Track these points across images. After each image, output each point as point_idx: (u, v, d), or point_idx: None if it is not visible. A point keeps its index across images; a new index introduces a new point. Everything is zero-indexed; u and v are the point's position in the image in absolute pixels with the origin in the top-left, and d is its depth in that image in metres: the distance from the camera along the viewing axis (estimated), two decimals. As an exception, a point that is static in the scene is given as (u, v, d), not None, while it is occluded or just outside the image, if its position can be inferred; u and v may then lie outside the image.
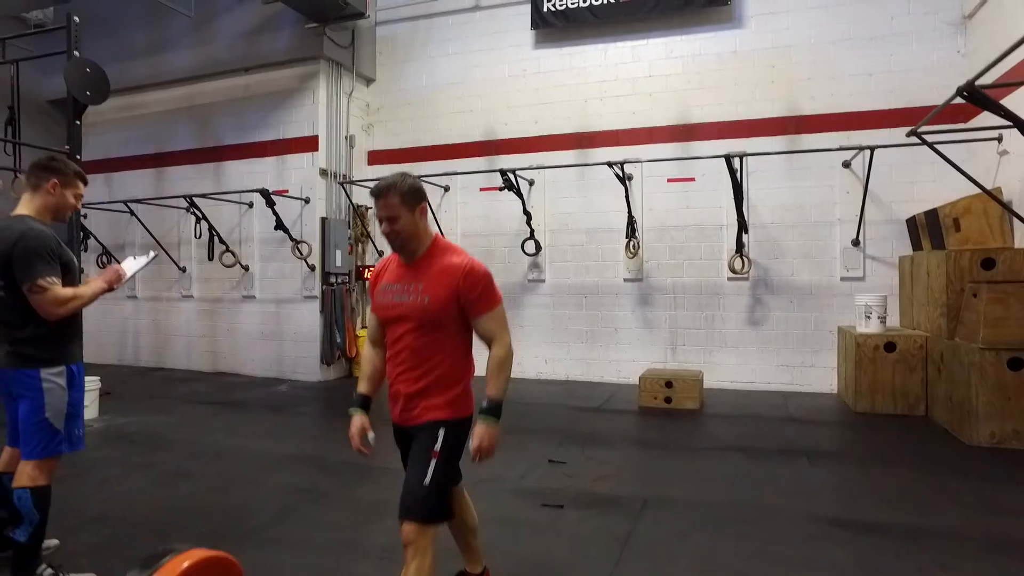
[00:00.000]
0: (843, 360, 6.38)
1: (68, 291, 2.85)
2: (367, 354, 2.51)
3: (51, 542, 3.10)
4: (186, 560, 1.90)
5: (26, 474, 2.77)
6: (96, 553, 3.08)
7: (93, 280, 3.05)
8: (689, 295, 7.22)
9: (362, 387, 2.47)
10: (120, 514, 3.66)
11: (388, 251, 2.45)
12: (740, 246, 6.67)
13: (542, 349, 7.67)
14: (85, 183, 3.15)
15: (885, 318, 5.87)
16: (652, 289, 7.35)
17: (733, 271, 6.84)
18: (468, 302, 2.27)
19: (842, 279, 6.69)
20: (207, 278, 8.47)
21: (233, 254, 7.96)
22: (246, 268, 8.16)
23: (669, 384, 6.14)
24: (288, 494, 3.89)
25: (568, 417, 5.77)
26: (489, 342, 2.32)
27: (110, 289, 3.08)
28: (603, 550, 3.13)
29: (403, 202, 2.24)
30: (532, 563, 3.03)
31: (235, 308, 8.34)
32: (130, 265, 3.25)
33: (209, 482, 4.19)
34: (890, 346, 5.68)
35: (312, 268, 7.71)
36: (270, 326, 8.08)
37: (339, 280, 7.88)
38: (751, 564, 2.98)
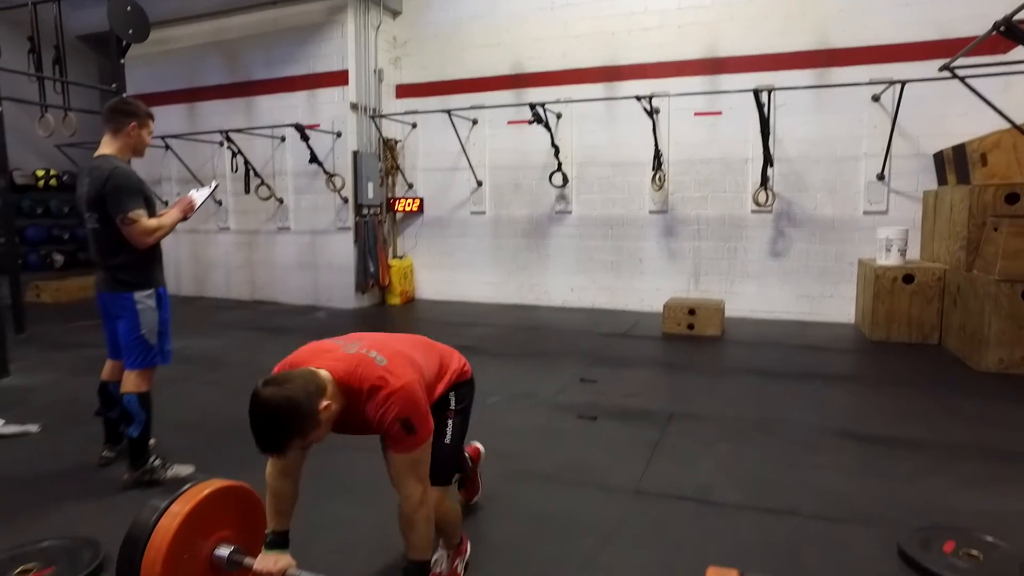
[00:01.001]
0: (861, 291, 6.60)
1: (153, 222, 3.16)
2: (275, 488, 2.00)
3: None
4: (206, 488, 1.95)
5: (131, 382, 3.17)
6: (187, 452, 3.48)
7: (169, 211, 3.34)
8: (713, 227, 7.41)
9: (277, 523, 2.00)
10: (199, 422, 4.09)
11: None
12: (765, 179, 6.79)
13: (568, 278, 7.96)
14: (153, 120, 3.39)
15: (905, 251, 6.05)
16: (676, 221, 7.54)
17: (757, 204, 6.99)
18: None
19: (865, 213, 6.82)
20: (243, 211, 8.76)
21: (268, 187, 8.22)
22: (281, 201, 8.43)
23: (692, 312, 6.43)
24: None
25: (595, 342, 6.11)
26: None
27: (184, 218, 3.38)
28: (634, 454, 3.50)
29: (304, 435, 1.76)
30: (571, 464, 3.40)
31: (271, 239, 8.67)
32: (197, 195, 3.52)
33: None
34: (908, 278, 5.88)
35: (345, 200, 7.96)
36: (305, 257, 8.42)
37: (371, 212, 8.13)
38: (768, 466, 3.32)
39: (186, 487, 1.95)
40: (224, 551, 1.96)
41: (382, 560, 2.48)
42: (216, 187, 3.79)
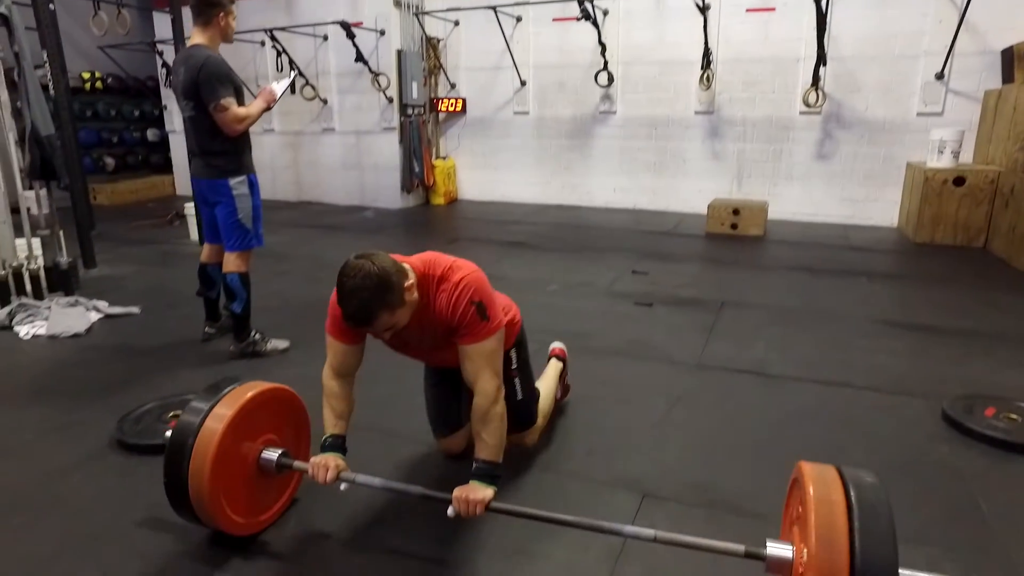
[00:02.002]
0: (908, 195, 6.61)
1: (242, 110, 3.33)
2: (332, 389, 2.03)
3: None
4: (250, 391, 1.93)
5: (232, 263, 3.44)
6: (274, 331, 3.79)
7: (254, 101, 3.49)
8: (759, 128, 7.34)
9: (334, 426, 2.01)
10: (278, 306, 4.40)
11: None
12: (816, 79, 6.66)
13: (611, 179, 8.02)
14: (234, 3, 3.48)
15: (959, 153, 5.99)
16: (722, 122, 7.47)
17: (806, 105, 6.88)
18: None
19: (919, 114, 6.70)
20: (287, 112, 8.82)
21: (313, 87, 8.24)
22: (325, 101, 8.47)
23: (736, 212, 6.53)
24: (413, 292, 4.57)
25: (641, 239, 6.28)
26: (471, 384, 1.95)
27: (268, 108, 3.53)
28: (692, 335, 3.75)
29: (392, 308, 1.75)
30: (634, 342, 3.67)
31: (316, 140, 8.78)
32: (277, 86, 3.65)
33: (341, 283, 4.92)
34: (959, 180, 5.86)
35: (390, 100, 7.98)
36: (350, 157, 8.55)
37: (415, 112, 8.16)
38: (820, 348, 3.55)
39: (228, 389, 1.93)
40: (272, 454, 1.96)
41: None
42: (294, 78, 3.91)
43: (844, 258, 5.62)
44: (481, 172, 8.73)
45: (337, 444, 1.98)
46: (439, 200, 8.56)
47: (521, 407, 2.37)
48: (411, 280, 1.77)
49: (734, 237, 6.41)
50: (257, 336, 3.54)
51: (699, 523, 2.10)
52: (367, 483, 1.90)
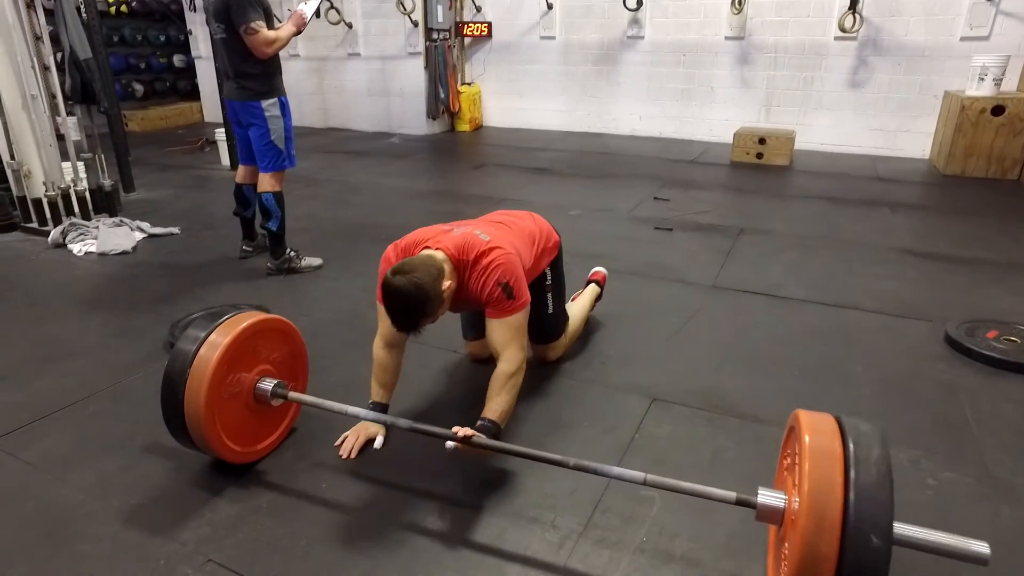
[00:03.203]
0: (942, 125, 6.46)
1: (272, 33, 3.42)
2: (382, 360, 2.15)
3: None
4: (245, 320, 1.97)
5: (267, 182, 3.61)
6: (305, 248, 3.98)
7: (284, 25, 3.57)
8: (791, 55, 7.15)
9: (378, 395, 2.15)
10: (310, 226, 4.59)
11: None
12: (855, 2, 6.43)
13: (637, 106, 7.94)
14: None
15: (1001, 80, 5.81)
16: (753, 48, 7.29)
17: (843, 30, 6.67)
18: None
19: (962, 39, 6.45)
20: (312, 36, 8.75)
21: (337, 11, 8.15)
22: (350, 26, 8.39)
23: (762, 141, 6.48)
24: (441, 215, 4.71)
25: (665, 167, 6.30)
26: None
27: (298, 32, 3.61)
28: (709, 258, 3.87)
29: (433, 315, 1.90)
30: (653, 263, 3.81)
31: (341, 66, 8.75)
32: (306, 8, 3.71)
33: (368, 208, 5.09)
34: (998, 109, 5.72)
35: (415, 24, 7.89)
36: (376, 83, 8.54)
37: (441, 36, 8.07)
38: (835, 274, 3.65)
39: (226, 317, 1.97)
40: (267, 384, 2.01)
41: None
42: (321, 1, 3.94)
43: (869, 189, 5.60)
44: (506, 98, 8.68)
45: (378, 410, 2.10)
46: (464, 127, 8.57)
47: (549, 320, 2.55)
48: (448, 283, 1.91)
49: (759, 166, 6.39)
50: (292, 253, 3.75)
51: (701, 423, 2.30)
52: (392, 423, 1.97)
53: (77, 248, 4.13)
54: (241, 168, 3.87)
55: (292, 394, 2.06)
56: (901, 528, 1.34)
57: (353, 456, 2.12)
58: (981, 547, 1.34)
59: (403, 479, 2.02)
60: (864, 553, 1.23)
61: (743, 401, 2.42)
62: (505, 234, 2.19)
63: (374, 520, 1.86)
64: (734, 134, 6.65)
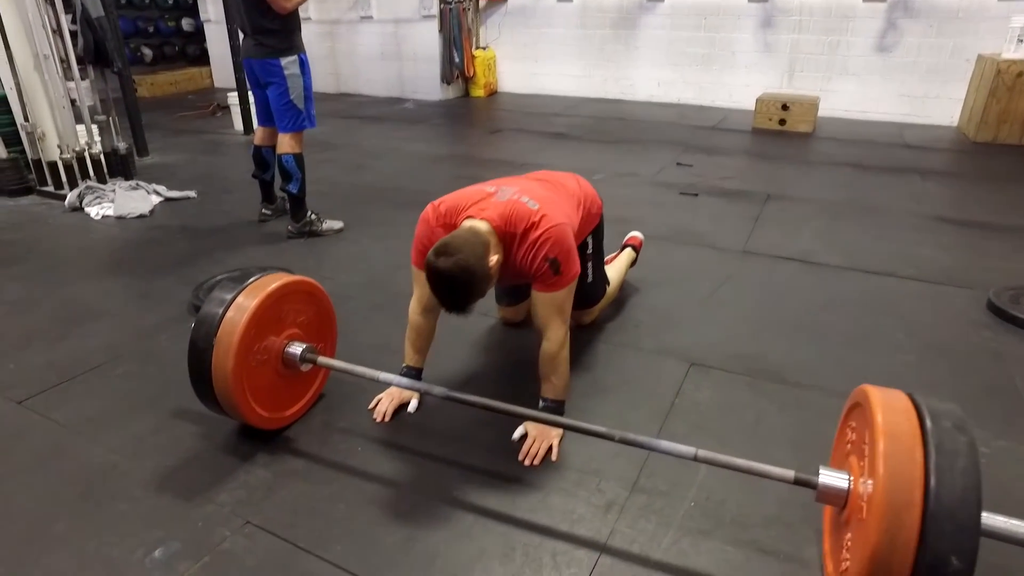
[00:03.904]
0: (974, 90, 6.26)
1: (291, -12, 3.29)
2: (417, 325, 2.10)
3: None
4: (274, 282, 1.90)
5: (287, 144, 3.52)
6: (325, 212, 3.91)
7: (304, -19, 3.44)
8: (816, 17, 6.92)
9: (412, 359, 2.12)
10: (328, 190, 4.51)
11: None
12: (886, -40, 6.20)
13: (655, 72, 7.74)
14: None
15: (1037, 42, 5.62)
16: (777, 11, 7.05)
17: (872, -10, 6.45)
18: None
19: (999, -1, 6.22)
20: (322, -2, 8.57)
21: (348, -30, 7.94)
22: (361, -14, 8.18)
23: (785, 107, 6.31)
24: (461, 179, 4.59)
25: (685, 133, 6.16)
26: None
27: None
28: (738, 224, 3.78)
29: (482, 294, 1.77)
30: (681, 228, 3.73)
31: (353, 29, 8.55)
32: None
33: (387, 172, 5.00)
34: (1034, 72, 5.53)
35: (429, -15, 7.68)
36: (389, 47, 8.35)
37: (455, -1, 7.86)
38: (865, 240, 3.56)
39: (251, 280, 1.90)
40: (296, 348, 1.95)
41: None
42: None
43: (897, 156, 5.45)
44: (521, 64, 8.48)
45: (412, 376, 2.08)
46: (479, 92, 8.40)
47: (588, 288, 2.46)
48: (495, 258, 1.78)
49: (782, 133, 6.24)
50: (313, 216, 3.68)
51: (742, 388, 2.24)
52: (427, 390, 1.90)
53: (94, 211, 4.07)
54: (259, 129, 3.78)
55: (322, 359, 2.00)
56: (989, 518, 1.23)
57: (387, 420, 2.08)
58: None
59: (438, 447, 1.98)
60: (949, 548, 1.13)
61: (784, 367, 2.36)
62: (553, 198, 2.03)
63: (411, 487, 1.82)
64: (756, 100, 6.47)
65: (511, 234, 1.86)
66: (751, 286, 3.02)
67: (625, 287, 2.98)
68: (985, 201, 4.27)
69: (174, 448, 1.98)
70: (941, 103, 6.68)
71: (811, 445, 1.92)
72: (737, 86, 7.39)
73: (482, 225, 1.83)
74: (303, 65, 3.50)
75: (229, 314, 1.83)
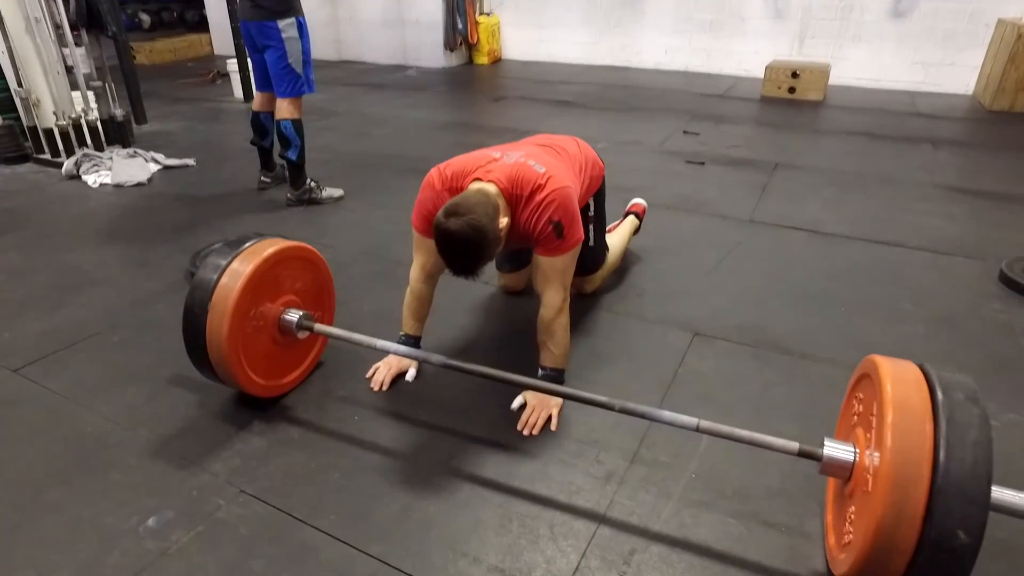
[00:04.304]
0: (992, 57, 6.09)
1: (288, -58, 3.18)
2: (418, 291, 2.06)
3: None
4: (269, 247, 1.87)
5: (285, 109, 3.44)
6: (326, 180, 3.85)
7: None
8: (830, -19, 6.73)
9: (411, 327, 2.08)
10: (330, 158, 4.44)
11: None
12: (903, -80, 5.98)
13: (663, 39, 7.56)
14: None
15: (1058, 6, 5.43)
16: (789, -26, 6.86)
17: (888, -48, 6.24)
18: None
19: (1018, -40, 6.01)
20: (322, -39, 8.36)
21: (348, -68, 7.73)
22: (362, -51, 7.97)
23: (795, 74, 6.16)
24: (464, 146, 4.51)
25: (693, 101, 6.02)
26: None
27: None
28: (745, 193, 3.70)
29: (492, 256, 1.74)
30: (686, 197, 3.65)
31: (354, -6, 8.37)
32: None
33: (388, 139, 4.92)
34: (1055, 38, 5.36)
35: (431, -52, 7.47)
36: (391, 13, 8.16)
37: (457, -38, 7.65)
38: (874, 210, 3.48)
39: (248, 244, 1.87)
40: (292, 315, 1.92)
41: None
42: None
43: (909, 124, 5.32)
44: (526, 30, 8.29)
45: (410, 344, 2.04)
46: (482, 59, 8.24)
47: (589, 253, 2.40)
48: (504, 222, 1.74)
49: (791, 101, 6.10)
50: (313, 184, 3.62)
51: (747, 359, 2.20)
52: (425, 358, 1.87)
53: (91, 179, 4.02)
54: (258, 95, 3.70)
55: (319, 326, 1.97)
56: (998, 492, 1.19)
57: (385, 388, 2.05)
58: None
59: (436, 416, 1.95)
60: (956, 522, 1.10)
61: (789, 337, 2.32)
62: (558, 163, 1.99)
63: (408, 457, 1.79)
64: (766, 67, 6.32)
65: (517, 196, 1.82)
66: (757, 256, 2.96)
67: (628, 256, 2.93)
68: (999, 171, 4.16)
69: (169, 416, 1.95)
70: (956, 70, 6.51)
71: (816, 416, 1.88)
72: (746, 53, 7.21)
73: (490, 187, 1.80)
74: (301, 28, 3.40)
75: (224, 279, 1.78)
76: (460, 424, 1.91)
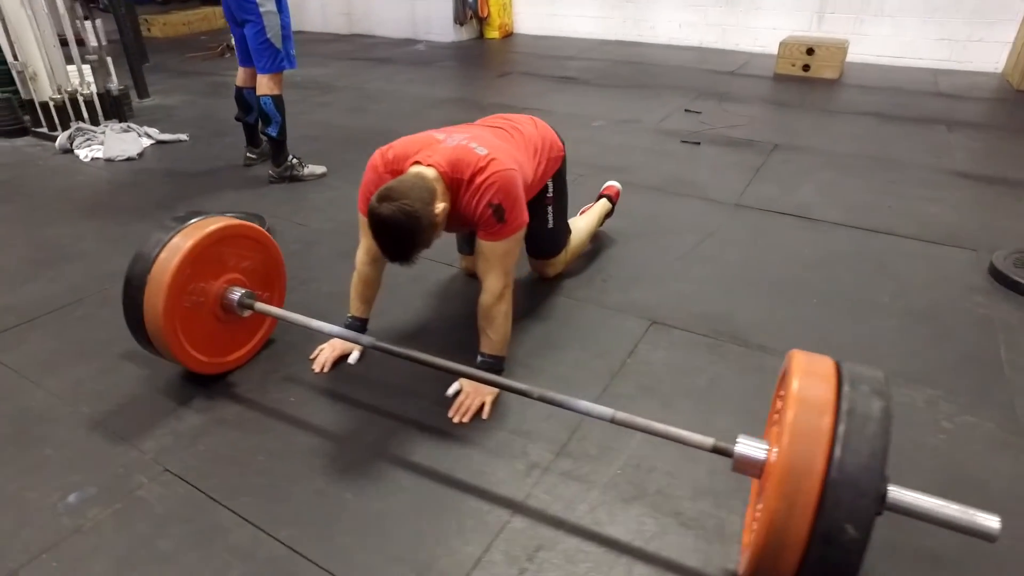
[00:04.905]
0: None
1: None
2: (364, 274, 2.03)
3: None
4: (212, 224, 1.86)
5: (265, 85, 3.41)
6: (314, 157, 3.84)
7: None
8: (854, -49, 6.42)
9: (357, 309, 2.06)
10: (319, 134, 4.42)
11: None
12: None
13: (677, 13, 7.33)
14: None
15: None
16: (811, -55, 6.56)
17: (916, -80, 5.92)
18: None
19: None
20: (334, -68, 8.26)
21: (359, -98, 7.60)
22: (372, -81, 7.84)
23: (810, 51, 5.92)
24: (454, 123, 4.46)
25: (702, 78, 5.84)
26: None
27: None
28: (736, 175, 3.58)
29: (426, 243, 1.69)
30: (674, 178, 3.55)
31: (364, -34, 8.26)
32: None
33: (384, 115, 4.87)
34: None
35: (441, -82, 7.32)
36: (401, -14, 8.06)
37: (468, -67, 7.49)
38: (872, 195, 3.34)
39: (192, 221, 1.87)
40: (235, 294, 1.92)
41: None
42: None
43: (926, 105, 5.09)
44: (538, 4, 8.11)
45: (356, 326, 2.03)
46: (493, 34, 8.09)
47: (548, 236, 2.37)
48: (442, 205, 1.69)
49: (805, 79, 5.87)
50: (295, 160, 3.60)
51: (701, 350, 2.13)
52: (356, 340, 1.86)
53: (83, 153, 4.06)
54: (241, 70, 3.67)
55: (259, 305, 1.96)
56: (896, 492, 1.17)
57: (326, 371, 2.04)
58: (989, 521, 1.14)
59: (374, 398, 1.94)
60: (845, 515, 1.06)
61: (750, 328, 2.24)
62: (505, 143, 1.96)
63: (338, 438, 1.78)
64: (780, 44, 6.08)
65: (458, 180, 1.78)
66: (736, 241, 2.87)
67: (601, 239, 2.86)
68: (1016, 156, 3.96)
69: (114, 392, 1.97)
70: (985, 47, 6.19)
71: (761, 412, 1.80)
72: (763, 29, 6.96)
73: (429, 172, 1.76)
74: (280, 2, 3.36)
75: (163, 254, 1.80)
76: (395, 407, 1.89)
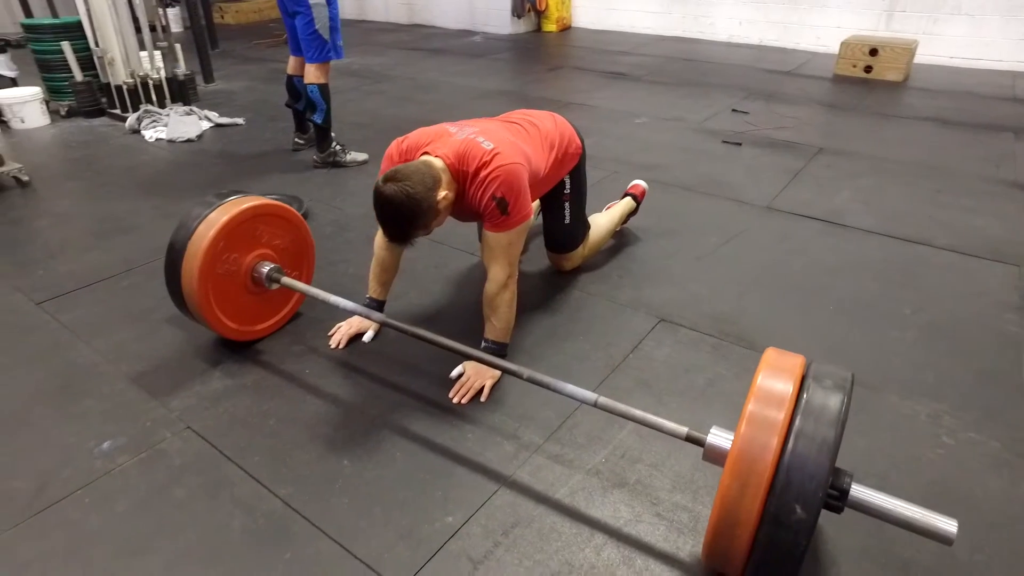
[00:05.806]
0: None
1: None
2: (381, 258, 2.14)
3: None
4: (247, 203, 2.02)
5: (312, 74, 3.58)
6: (361, 144, 4.01)
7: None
8: (929, -53, 6.14)
9: (375, 291, 2.17)
10: (368, 122, 4.59)
11: None
12: None
13: (737, 10, 7.19)
14: None
15: None
16: (883, -60, 6.31)
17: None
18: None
19: None
20: (400, -77, 8.45)
21: None
22: (437, -89, 7.98)
23: (874, 52, 5.72)
24: (497, 115, 4.56)
25: (756, 77, 5.73)
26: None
27: None
28: (773, 178, 3.54)
29: (426, 226, 1.80)
30: (709, 179, 3.54)
31: (428, -42, 8.42)
32: None
33: (432, 105, 5.00)
34: None
35: (503, -89, 7.39)
36: (461, -23, 8.18)
37: (529, -74, 7.53)
38: (913, 204, 3.24)
39: (231, 198, 2.03)
40: (264, 267, 2.08)
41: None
42: None
43: (996, 110, 4.84)
44: (596, -3, 8.10)
45: (372, 307, 2.14)
46: (551, 27, 8.13)
47: (565, 230, 2.44)
48: (443, 193, 1.78)
49: (866, 81, 5.68)
50: (337, 147, 3.77)
51: (704, 350, 2.16)
52: (367, 315, 1.96)
53: (149, 134, 4.35)
54: (291, 59, 3.86)
55: (285, 279, 2.10)
56: (858, 490, 1.23)
57: (341, 347, 2.17)
58: (946, 524, 1.18)
59: (383, 374, 2.05)
60: (794, 496, 1.11)
61: (758, 331, 2.25)
62: (516, 139, 2.02)
63: (344, 409, 1.91)
64: (841, 43, 5.89)
65: (464, 172, 1.87)
66: (761, 244, 2.85)
67: (625, 235, 2.89)
68: (1082, 168, 3.75)
69: (151, 355, 2.16)
70: (1071, 51, 5.82)
71: (754, 413, 1.83)
72: (826, 27, 6.75)
73: (437, 161, 1.86)
74: (328, -5, 3.51)
75: (200, 227, 1.97)
76: (401, 384, 2.00)
